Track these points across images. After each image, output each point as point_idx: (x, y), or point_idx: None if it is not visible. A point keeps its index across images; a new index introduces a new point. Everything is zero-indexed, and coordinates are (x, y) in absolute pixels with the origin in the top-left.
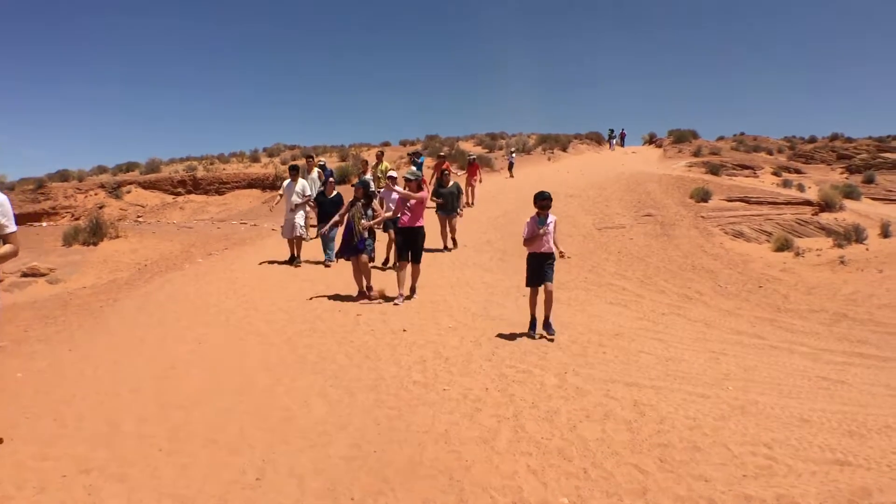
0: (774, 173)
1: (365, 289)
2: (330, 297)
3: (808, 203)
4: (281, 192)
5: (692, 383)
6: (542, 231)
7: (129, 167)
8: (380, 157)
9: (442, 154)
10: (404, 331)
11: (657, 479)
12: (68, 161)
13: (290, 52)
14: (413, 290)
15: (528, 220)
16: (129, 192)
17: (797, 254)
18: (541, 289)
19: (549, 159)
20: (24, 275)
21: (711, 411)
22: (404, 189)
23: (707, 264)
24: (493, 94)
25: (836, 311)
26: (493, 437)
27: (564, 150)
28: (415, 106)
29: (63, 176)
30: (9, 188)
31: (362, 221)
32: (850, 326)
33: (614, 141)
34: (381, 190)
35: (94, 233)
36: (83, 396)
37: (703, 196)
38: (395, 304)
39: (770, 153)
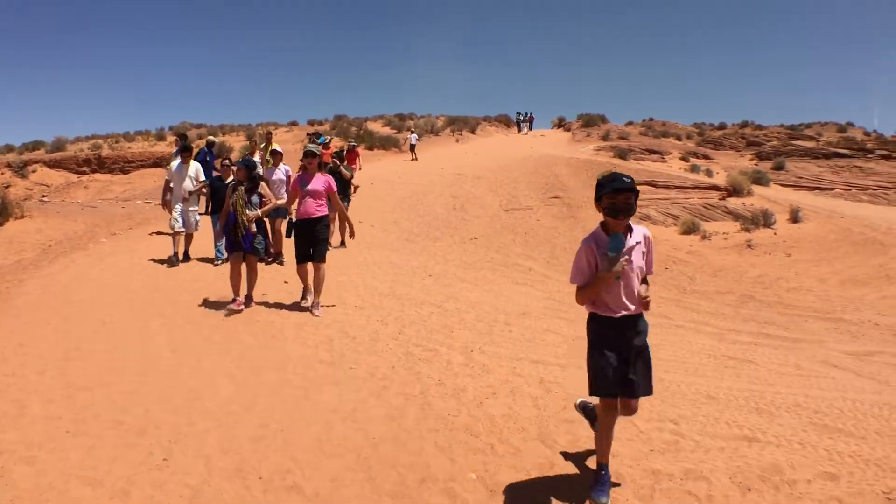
0: (682, 158)
1: (244, 297)
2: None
3: (715, 188)
4: (167, 176)
5: None
6: (621, 262)
7: (35, 146)
8: (269, 137)
9: (325, 141)
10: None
11: (566, 454)
12: None
13: (197, 27)
14: (317, 298)
15: (583, 246)
16: (34, 171)
17: (704, 237)
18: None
19: (457, 141)
20: None
21: None
22: (302, 169)
23: None
24: (402, 75)
25: (743, 293)
26: (401, 415)
27: (473, 132)
28: (323, 85)
29: None
30: None
31: (247, 212)
32: (757, 308)
33: (524, 125)
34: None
35: (1, 213)
36: None
37: None
38: (316, 315)
39: (679, 139)
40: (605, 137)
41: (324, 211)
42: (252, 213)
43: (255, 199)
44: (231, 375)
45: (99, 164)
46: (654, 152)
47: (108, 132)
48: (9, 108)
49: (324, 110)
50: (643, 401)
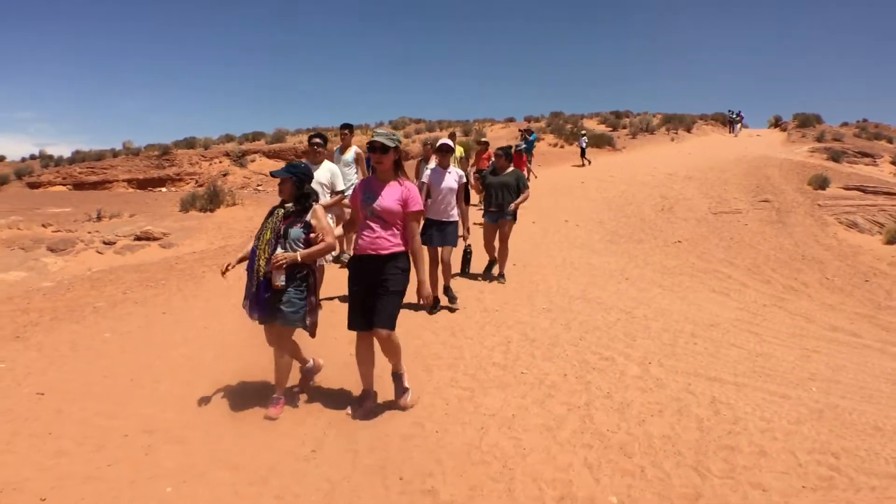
0: (893, 162)
1: (275, 394)
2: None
3: None
4: None
5: (776, 382)
6: None
7: (255, 136)
8: (453, 140)
9: (484, 139)
10: (496, 311)
11: (714, 485)
12: (197, 129)
13: (416, 24)
14: (403, 389)
15: None
16: (253, 160)
17: None
18: None
19: (672, 140)
20: (138, 238)
21: (788, 414)
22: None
23: (818, 254)
24: (618, 72)
25: None
26: (558, 426)
27: (689, 130)
28: (541, 82)
29: (189, 143)
30: (134, 153)
31: (278, 253)
32: None
33: (737, 126)
34: (430, 171)
35: (212, 200)
36: (166, 359)
37: (820, 183)
38: (350, 414)
39: (890, 141)
40: (819, 138)
41: (398, 245)
42: (283, 255)
43: (295, 231)
44: None
45: None
46: (867, 155)
47: (328, 125)
48: (233, 100)
49: (540, 106)
50: (809, 429)
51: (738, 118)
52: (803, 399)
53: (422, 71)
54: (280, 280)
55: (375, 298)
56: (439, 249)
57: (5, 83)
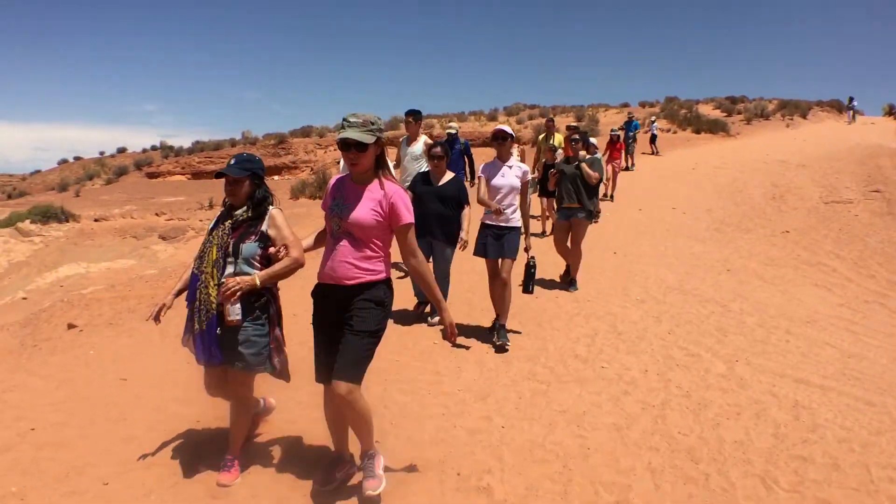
0: None
1: (228, 456)
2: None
3: None
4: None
5: (864, 387)
6: None
7: None
8: (550, 126)
9: (573, 124)
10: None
11: (779, 499)
12: (314, 117)
13: (533, 9)
14: (374, 474)
15: None
16: None
17: None
18: None
19: (787, 126)
20: None
21: (870, 423)
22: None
23: None
24: (736, 56)
25: None
26: (628, 426)
27: (804, 117)
28: (658, 67)
29: (305, 132)
30: (252, 142)
31: (228, 278)
32: None
33: (850, 112)
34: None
35: (321, 187)
36: None
37: None
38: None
39: None
40: None
41: (371, 272)
42: (239, 282)
43: (249, 247)
44: (481, 362)
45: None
46: None
47: (441, 112)
48: (351, 87)
49: (656, 91)
50: (888, 442)
51: (853, 106)
52: (888, 407)
53: (538, 56)
54: (235, 314)
55: (346, 340)
56: (497, 262)
57: (133, 77)
